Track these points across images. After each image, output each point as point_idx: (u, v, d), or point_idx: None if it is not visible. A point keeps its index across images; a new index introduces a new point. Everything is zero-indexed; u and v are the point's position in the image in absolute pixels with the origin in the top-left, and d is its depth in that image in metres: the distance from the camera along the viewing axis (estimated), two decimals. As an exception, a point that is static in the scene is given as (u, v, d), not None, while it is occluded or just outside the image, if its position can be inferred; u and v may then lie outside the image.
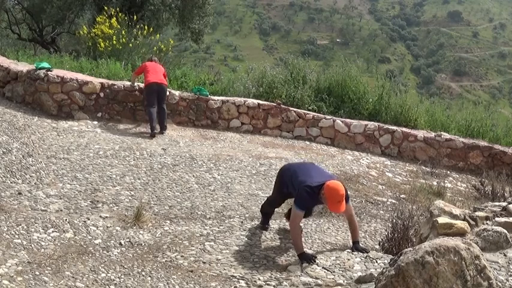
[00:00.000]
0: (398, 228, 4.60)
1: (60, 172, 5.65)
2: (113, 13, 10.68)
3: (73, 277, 3.66)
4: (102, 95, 8.21)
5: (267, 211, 4.93)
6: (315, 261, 3.97)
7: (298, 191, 4.21)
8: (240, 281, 3.87)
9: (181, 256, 4.21)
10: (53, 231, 4.28)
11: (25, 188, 5.07)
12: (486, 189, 6.97)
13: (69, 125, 7.60)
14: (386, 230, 4.91)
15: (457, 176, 8.20)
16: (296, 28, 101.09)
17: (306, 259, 4.00)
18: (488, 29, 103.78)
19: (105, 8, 11.53)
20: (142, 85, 8.34)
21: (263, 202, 5.10)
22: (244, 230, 4.82)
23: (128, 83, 8.42)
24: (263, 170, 6.77)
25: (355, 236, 4.33)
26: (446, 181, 7.52)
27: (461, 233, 3.54)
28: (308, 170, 4.47)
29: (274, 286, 3.73)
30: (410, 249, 2.58)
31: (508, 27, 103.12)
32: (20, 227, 4.24)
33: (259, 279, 3.87)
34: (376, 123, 8.98)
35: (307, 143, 8.73)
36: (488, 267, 2.51)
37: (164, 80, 8.10)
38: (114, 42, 9.99)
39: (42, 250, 3.97)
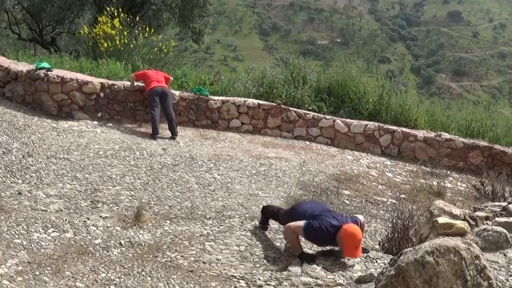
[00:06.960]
0: (398, 228, 4.60)
1: (60, 172, 5.65)
2: (115, 13, 10.66)
3: (73, 277, 3.66)
4: (102, 95, 8.21)
5: (267, 215, 4.93)
6: (314, 261, 3.96)
7: (312, 221, 4.05)
8: (240, 281, 3.87)
9: (181, 256, 4.21)
10: (53, 231, 4.28)
11: (25, 188, 5.07)
12: (486, 189, 6.96)
13: (69, 125, 7.60)
14: (386, 230, 4.91)
15: (457, 176, 8.19)
16: (296, 28, 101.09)
17: (306, 259, 4.00)
18: (488, 29, 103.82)
19: (107, 8, 11.49)
20: (142, 84, 8.35)
21: (268, 205, 5.10)
22: (244, 230, 4.81)
23: (128, 83, 8.42)
24: (263, 170, 6.77)
25: None
26: (446, 181, 7.52)
27: (461, 233, 3.53)
28: (327, 209, 4.36)
29: (274, 286, 3.73)
30: (410, 249, 2.58)
31: (508, 27, 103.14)
32: (20, 227, 4.24)
33: (259, 279, 3.87)
34: (376, 123, 8.97)
35: (307, 143, 8.72)
36: (488, 267, 2.51)
37: (166, 85, 8.19)
38: (117, 42, 9.98)
39: (42, 250, 3.97)
